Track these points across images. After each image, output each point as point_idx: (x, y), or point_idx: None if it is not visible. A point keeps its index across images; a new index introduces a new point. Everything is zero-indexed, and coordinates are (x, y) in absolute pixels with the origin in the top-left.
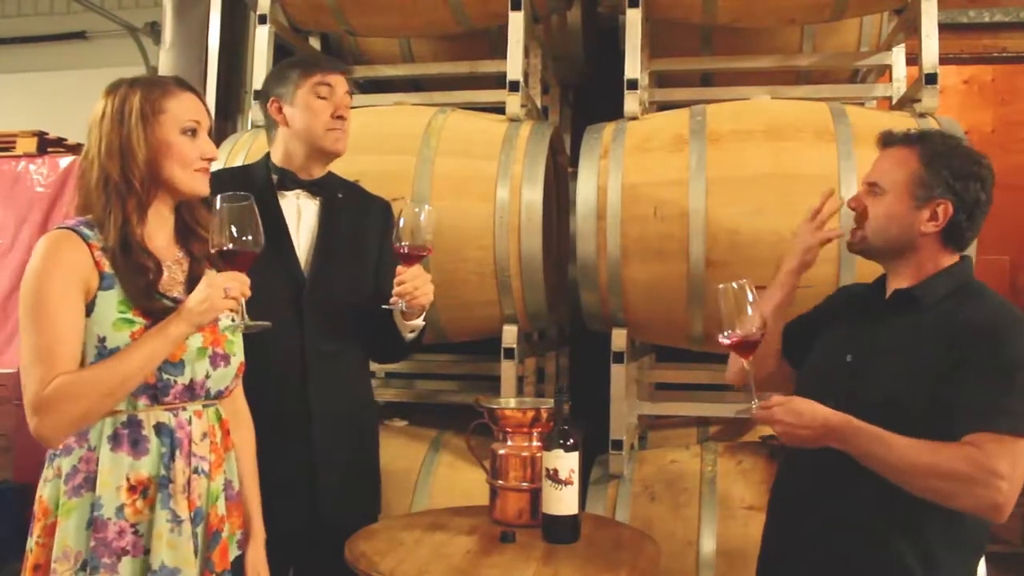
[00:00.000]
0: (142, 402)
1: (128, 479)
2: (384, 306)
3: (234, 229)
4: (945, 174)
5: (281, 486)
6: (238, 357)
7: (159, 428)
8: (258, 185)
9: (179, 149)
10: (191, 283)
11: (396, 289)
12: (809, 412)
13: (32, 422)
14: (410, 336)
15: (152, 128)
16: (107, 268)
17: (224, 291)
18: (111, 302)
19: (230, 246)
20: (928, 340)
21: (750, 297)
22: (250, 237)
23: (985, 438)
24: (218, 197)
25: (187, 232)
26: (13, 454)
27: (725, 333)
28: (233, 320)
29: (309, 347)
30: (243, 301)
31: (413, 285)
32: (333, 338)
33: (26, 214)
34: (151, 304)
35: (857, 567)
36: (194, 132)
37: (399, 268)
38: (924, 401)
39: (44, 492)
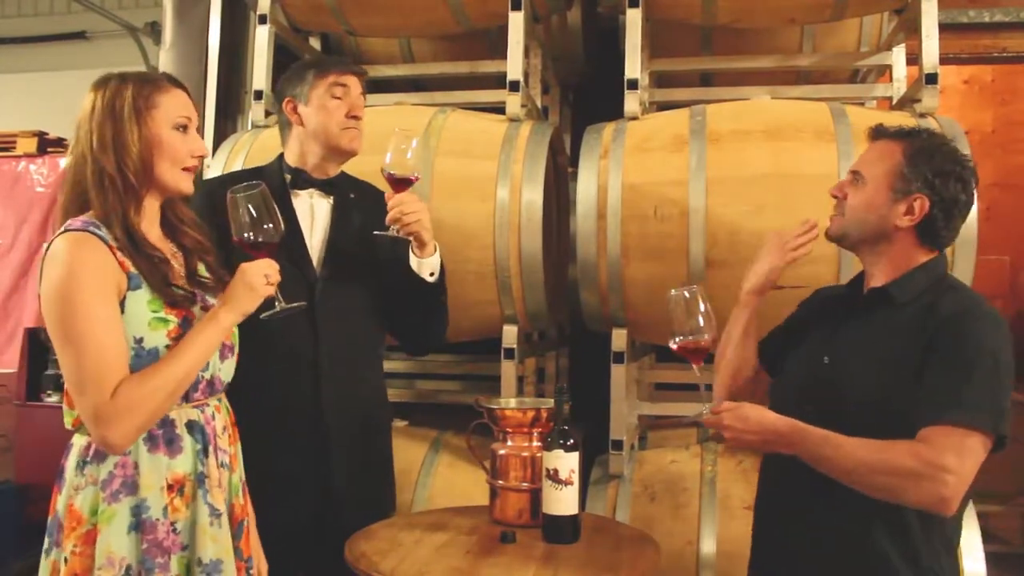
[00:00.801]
0: None
1: (166, 479)
2: (376, 232)
3: (256, 219)
4: (925, 170)
5: (292, 484)
6: (237, 347)
7: (191, 426)
8: (272, 185)
9: (171, 145)
10: (190, 275)
11: (388, 217)
12: (756, 418)
13: (98, 433)
14: (431, 278)
15: (145, 123)
16: (131, 268)
17: (264, 277)
18: (141, 302)
19: (254, 236)
20: (903, 336)
21: (701, 305)
22: (271, 225)
23: (937, 432)
24: (230, 190)
25: (172, 228)
26: (13, 454)
27: (676, 339)
28: (275, 305)
29: (322, 345)
30: (277, 286)
31: (400, 211)
32: (346, 337)
33: (26, 214)
34: (174, 294)
35: (842, 568)
36: (185, 128)
37: (387, 195)
38: (904, 397)
39: (76, 500)
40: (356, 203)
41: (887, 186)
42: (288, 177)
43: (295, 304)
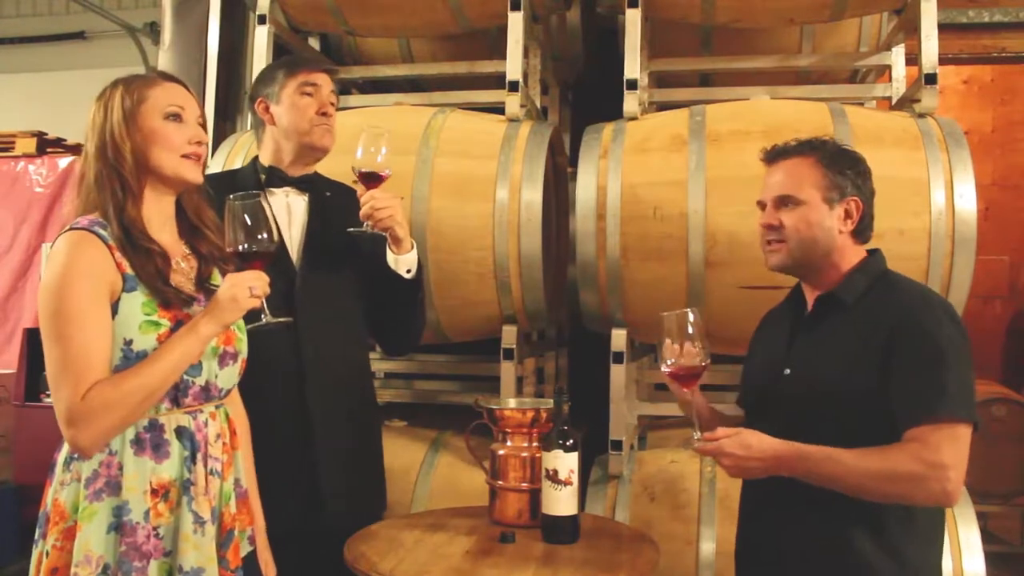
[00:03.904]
0: (163, 405)
1: (151, 483)
2: (350, 229)
3: (250, 229)
4: (849, 173)
5: (283, 486)
6: (243, 354)
7: (180, 431)
8: (246, 186)
9: (163, 134)
10: (200, 282)
11: (360, 213)
12: (757, 444)
13: (68, 433)
14: (408, 275)
15: (134, 117)
16: (128, 269)
17: (249, 289)
18: (135, 304)
19: (248, 246)
20: (858, 334)
21: (691, 328)
22: (265, 235)
23: (926, 430)
24: (229, 197)
25: (192, 231)
26: (13, 454)
27: (668, 362)
28: (261, 318)
29: (304, 343)
30: (264, 299)
31: (372, 206)
32: (329, 333)
33: (25, 214)
34: (166, 292)
35: (825, 570)
36: (178, 117)
37: (358, 192)
38: (867, 390)
39: (60, 496)
40: (333, 201)
41: (823, 199)
42: (263, 176)
43: (281, 319)
